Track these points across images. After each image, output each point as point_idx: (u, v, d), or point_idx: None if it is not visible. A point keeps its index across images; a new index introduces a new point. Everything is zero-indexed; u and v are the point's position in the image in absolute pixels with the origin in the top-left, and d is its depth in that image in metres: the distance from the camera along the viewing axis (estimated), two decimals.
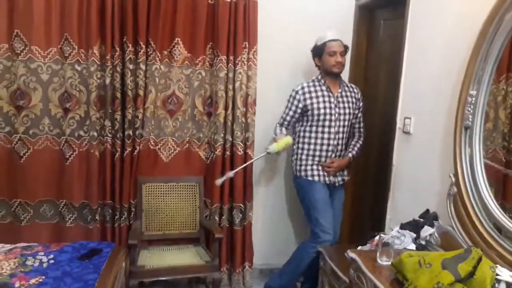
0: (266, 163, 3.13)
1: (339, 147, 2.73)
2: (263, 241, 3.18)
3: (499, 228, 1.70)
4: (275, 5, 2.96)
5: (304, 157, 2.72)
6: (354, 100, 2.76)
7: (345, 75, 3.08)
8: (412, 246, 2.00)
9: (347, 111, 2.70)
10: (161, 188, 2.93)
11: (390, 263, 1.72)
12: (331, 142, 2.68)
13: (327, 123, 2.66)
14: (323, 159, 2.70)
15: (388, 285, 1.61)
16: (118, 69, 2.72)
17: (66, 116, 2.74)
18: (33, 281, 2.05)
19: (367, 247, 2.20)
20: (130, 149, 2.80)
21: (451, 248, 1.77)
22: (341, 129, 2.69)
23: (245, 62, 2.85)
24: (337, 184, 2.78)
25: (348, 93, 2.75)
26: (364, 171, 3.15)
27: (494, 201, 1.75)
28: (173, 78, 2.85)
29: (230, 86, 2.85)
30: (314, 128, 2.68)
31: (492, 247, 1.68)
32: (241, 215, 2.98)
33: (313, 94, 2.66)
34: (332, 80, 2.71)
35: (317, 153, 2.69)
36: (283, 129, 2.74)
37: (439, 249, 1.94)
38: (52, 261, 2.28)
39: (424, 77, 2.35)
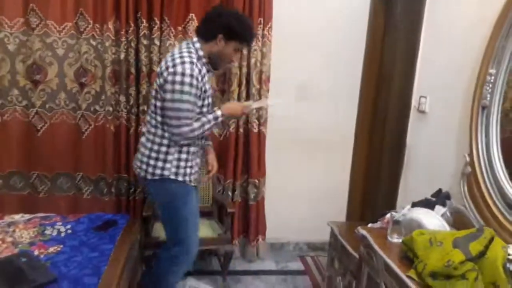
0: (282, 140, 3.13)
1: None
2: (273, 215, 3.22)
3: None
4: None
5: (182, 160, 2.12)
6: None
7: (360, 54, 3.05)
8: None
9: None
10: None
11: (400, 241, 1.73)
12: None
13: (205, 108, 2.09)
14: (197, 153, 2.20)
15: (398, 262, 1.64)
16: (133, 44, 2.71)
17: (82, 90, 2.77)
18: (51, 249, 2.12)
19: (378, 225, 2.21)
20: (144, 124, 2.83)
21: (463, 227, 1.78)
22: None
23: (260, 39, 2.82)
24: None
25: None
26: (378, 149, 3.13)
27: (510, 182, 1.74)
28: None
29: (244, 63, 2.83)
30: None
31: (504, 227, 1.68)
32: (256, 190, 3.03)
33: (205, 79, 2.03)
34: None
35: (193, 149, 2.14)
36: (218, 113, 2.10)
37: (451, 228, 1.94)
38: (69, 231, 2.35)
39: (441, 56, 2.31)
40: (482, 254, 1.44)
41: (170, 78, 1.89)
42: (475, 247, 1.45)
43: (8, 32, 2.62)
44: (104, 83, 2.75)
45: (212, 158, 2.32)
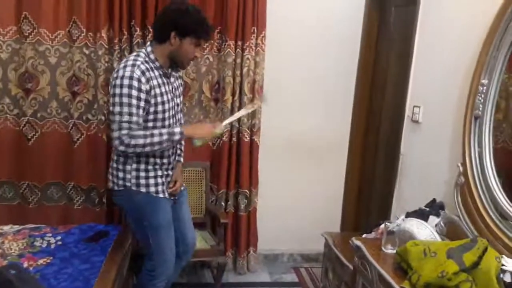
0: (276, 149, 3.11)
1: (174, 153, 2.18)
2: (267, 226, 3.19)
3: (506, 218, 1.69)
4: None
5: (150, 170, 2.07)
6: (179, 80, 2.17)
7: (354, 63, 3.06)
8: None
9: (180, 98, 2.18)
10: None
11: (395, 251, 1.72)
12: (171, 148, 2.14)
13: (167, 122, 2.03)
14: (166, 167, 2.12)
15: (392, 273, 1.62)
16: (126, 53, 2.70)
17: (74, 99, 2.75)
18: (41, 261, 2.08)
19: (372, 235, 2.20)
20: None
21: (457, 237, 1.77)
22: (178, 123, 2.16)
23: (253, 48, 2.82)
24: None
25: (174, 73, 2.09)
26: (372, 159, 3.14)
27: (502, 192, 1.74)
28: None
29: (238, 72, 2.83)
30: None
31: (498, 238, 1.67)
32: (246, 201, 3.00)
33: (154, 82, 1.91)
34: (168, 65, 2.00)
35: (163, 161, 2.09)
36: (176, 129, 2.01)
37: (444, 239, 1.93)
38: (59, 243, 2.31)
39: (435, 66, 2.32)
40: (476, 264, 1.43)
41: (112, 83, 1.85)
42: (468, 258, 1.44)
43: (1, 40, 2.61)
44: (97, 91, 2.73)
45: (176, 173, 2.18)
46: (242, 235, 3.04)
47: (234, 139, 2.92)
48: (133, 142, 1.84)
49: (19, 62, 2.65)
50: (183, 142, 2.21)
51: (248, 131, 2.92)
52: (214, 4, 2.78)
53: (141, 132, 1.87)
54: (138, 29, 2.68)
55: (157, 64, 1.93)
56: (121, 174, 1.99)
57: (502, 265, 1.44)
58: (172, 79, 2.04)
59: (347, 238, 2.12)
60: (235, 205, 3.03)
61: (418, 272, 1.50)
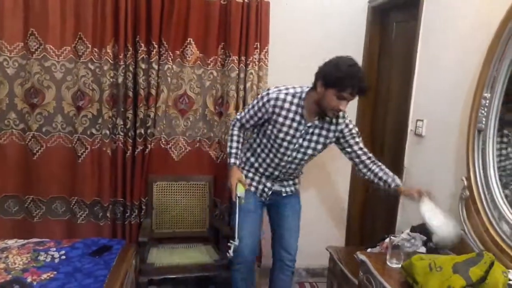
0: None
1: (287, 174, 2.34)
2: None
3: None
4: (287, 6, 2.95)
5: (246, 167, 2.37)
6: (331, 134, 2.22)
7: None
8: (423, 249, 1.99)
9: (312, 145, 2.22)
10: (171, 186, 2.94)
11: (400, 265, 1.71)
12: (280, 169, 2.28)
13: (282, 150, 2.20)
14: (265, 175, 2.34)
15: (397, 287, 1.61)
16: (131, 68, 2.74)
17: (78, 114, 2.77)
18: (44, 276, 2.08)
19: (377, 250, 2.19)
20: (141, 148, 2.82)
21: (463, 252, 1.75)
22: (296, 161, 2.25)
23: (256, 63, 2.85)
24: (284, 194, 2.40)
25: (326, 125, 2.20)
26: None
27: (508, 205, 1.73)
28: (185, 78, 2.86)
29: (241, 87, 2.86)
30: (267, 149, 2.25)
31: (504, 252, 1.66)
32: None
33: (283, 112, 2.14)
34: (314, 111, 2.14)
35: (261, 170, 2.32)
36: (238, 158, 2.32)
37: (450, 253, 1.92)
38: (63, 257, 2.31)
39: (437, 80, 2.33)
40: (482, 279, 1.42)
41: None
42: (475, 272, 1.43)
43: (8, 56, 2.64)
44: (101, 106, 2.76)
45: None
46: None
47: None
48: (231, 127, 2.35)
49: (25, 77, 2.68)
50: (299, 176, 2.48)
51: None
52: (218, 21, 2.82)
53: (236, 127, 2.32)
54: (143, 45, 2.71)
55: (302, 103, 2.13)
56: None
57: (509, 279, 1.43)
58: (309, 123, 2.16)
59: (352, 252, 2.11)
60: None
61: (424, 287, 1.48)
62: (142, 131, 2.81)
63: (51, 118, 2.75)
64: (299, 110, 2.13)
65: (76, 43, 2.71)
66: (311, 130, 2.18)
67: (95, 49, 2.72)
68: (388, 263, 1.80)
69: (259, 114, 2.20)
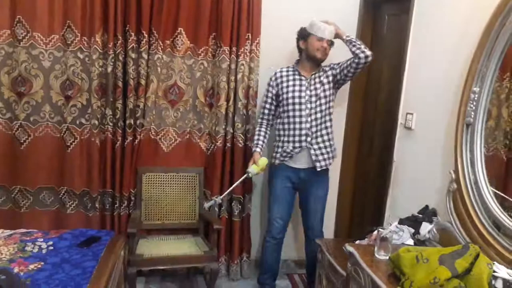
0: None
1: (314, 130, 2.59)
2: (261, 232, 3.19)
3: (498, 225, 1.70)
4: None
5: (280, 144, 2.66)
6: (328, 79, 2.63)
7: None
8: (410, 242, 2.01)
9: (319, 92, 2.59)
10: (161, 178, 2.93)
11: (387, 257, 1.72)
12: (303, 125, 2.57)
13: (297, 106, 2.58)
14: (297, 145, 2.60)
15: (385, 279, 1.62)
16: (120, 57, 2.70)
17: (67, 103, 2.74)
18: (32, 266, 2.05)
19: (365, 242, 2.21)
20: (131, 138, 2.80)
21: (449, 244, 1.77)
22: (313, 111, 2.58)
23: (248, 54, 2.84)
24: (318, 169, 2.62)
25: (322, 74, 2.63)
26: (365, 166, 3.15)
27: (494, 199, 1.75)
28: (175, 68, 2.84)
29: (232, 78, 2.84)
30: (286, 114, 2.61)
31: (490, 244, 1.68)
32: (240, 206, 2.99)
33: (284, 79, 2.64)
34: (309, 66, 2.63)
35: (291, 138, 2.61)
36: (259, 146, 2.68)
37: (437, 245, 1.94)
38: (51, 248, 2.28)
39: (427, 73, 2.35)
40: (467, 271, 1.44)
41: None
42: (460, 264, 1.45)
43: None
44: (91, 96, 2.72)
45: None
46: (236, 241, 3.03)
47: (228, 144, 2.92)
48: (257, 126, 2.79)
49: (12, 65, 2.64)
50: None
51: (243, 137, 2.92)
52: (209, 10, 2.80)
53: (258, 123, 2.80)
54: (132, 34, 2.68)
55: (297, 68, 2.67)
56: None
57: (494, 271, 1.45)
58: (308, 77, 2.64)
59: (341, 244, 2.12)
60: (229, 211, 3.02)
61: (410, 278, 1.50)
62: (132, 122, 2.78)
63: (39, 107, 2.71)
64: (296, 73, 2.65)
65: (65, 31, 2.66)
66: (312, 82, 2.62)
67: (84, 37, 2.68)
68: (376, 255, 1.82)
69: (270, 94, 2.69)
